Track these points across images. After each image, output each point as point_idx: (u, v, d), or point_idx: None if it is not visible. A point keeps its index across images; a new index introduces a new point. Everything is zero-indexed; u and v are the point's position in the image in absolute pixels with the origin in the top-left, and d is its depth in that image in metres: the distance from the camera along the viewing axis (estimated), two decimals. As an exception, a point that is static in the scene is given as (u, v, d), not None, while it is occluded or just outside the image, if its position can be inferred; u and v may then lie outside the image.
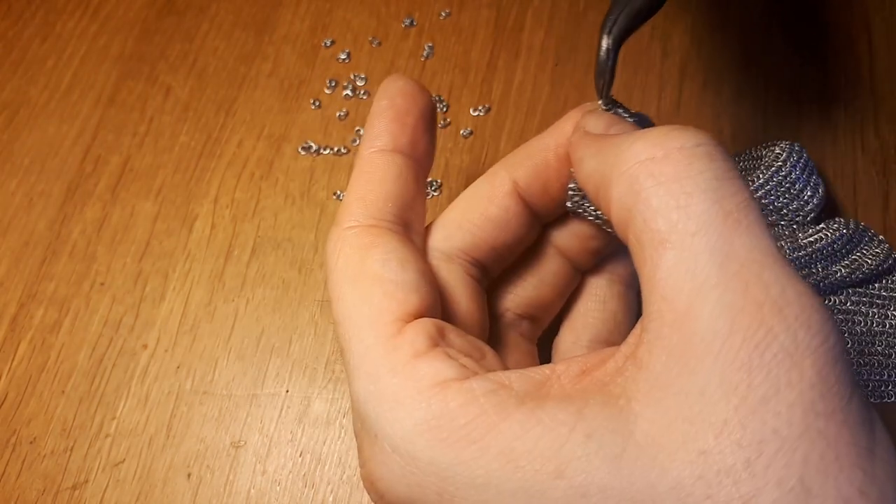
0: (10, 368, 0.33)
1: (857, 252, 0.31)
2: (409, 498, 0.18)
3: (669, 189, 0.17)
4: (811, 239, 0.30)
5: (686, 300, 0.16)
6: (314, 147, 0.38)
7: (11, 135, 0.39)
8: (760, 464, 0.14)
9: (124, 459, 0.31)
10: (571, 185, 0.23)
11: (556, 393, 0.18)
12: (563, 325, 0.26)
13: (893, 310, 0.31)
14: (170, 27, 0.42)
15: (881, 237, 0.32)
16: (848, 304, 0.31)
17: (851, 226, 0.31)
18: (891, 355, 0.30)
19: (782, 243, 0.30)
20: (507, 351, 0.25)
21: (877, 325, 0.31)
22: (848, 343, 0.30)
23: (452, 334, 0.20)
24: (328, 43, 0.41)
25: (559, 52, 0.40)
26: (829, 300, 0.31)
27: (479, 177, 0.25)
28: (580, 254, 0.25)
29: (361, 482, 0.20)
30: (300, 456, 0.31)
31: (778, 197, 0.31)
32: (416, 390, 0.18)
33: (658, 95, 0.38)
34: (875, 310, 0.31)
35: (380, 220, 0.21)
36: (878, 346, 0.30)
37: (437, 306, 0.21)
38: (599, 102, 0.23)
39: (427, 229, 0.24)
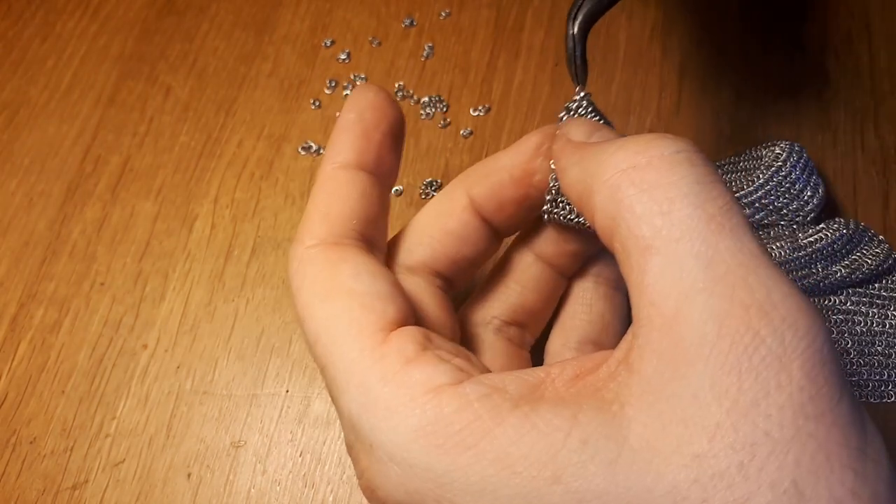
0: (10, 368, 0.33)
1: (857, 252, 0.31)
2: None
3: (652, 196, 0.17)
4: (811, 239, 0.30)
5: (674, 305, 0.16)
6: (314, 147, 0.38)
7: (11, 135, 0.39)
8: (753, 466, 0.14)
9: (124, 459, 0.31)
10: (548, 196, 0.23)
11: (551, 396, 0.18)
12: (552, 328, 0.27)
13: (893, 310, 0.31)
14: (170, 27, 0.42)
15: (881, 237, 0.32)
16: (848, 304, 0.31)
17: (851, 226, 0.31)
18: (891, 355, 0.30)
19: (782, 243, 0.30)
20: (496, 356, 0.25)
21: (877, 325, 0.31)
22: (848, 343, 0.30)
23: (437, 339, 0.20)
24: (328, 43, 0.41)
25: (559, 52, 0.40)
26: (829, 300, 0.31)
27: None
28: (558, 258, 0.25)
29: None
30: (300, 456, 0.31)
31: (778, 197, 0.31)
32: (409, 397, 0.18)
33: (658, 95, 0.38)
34: (875, 310, 0.31)
35: (343, 237, 0.21)
36: (878, 346, 0.30)
37: (413, 316, 0.21)
38: (577, 88, 0.24)
39: (389, 245, 0.24)
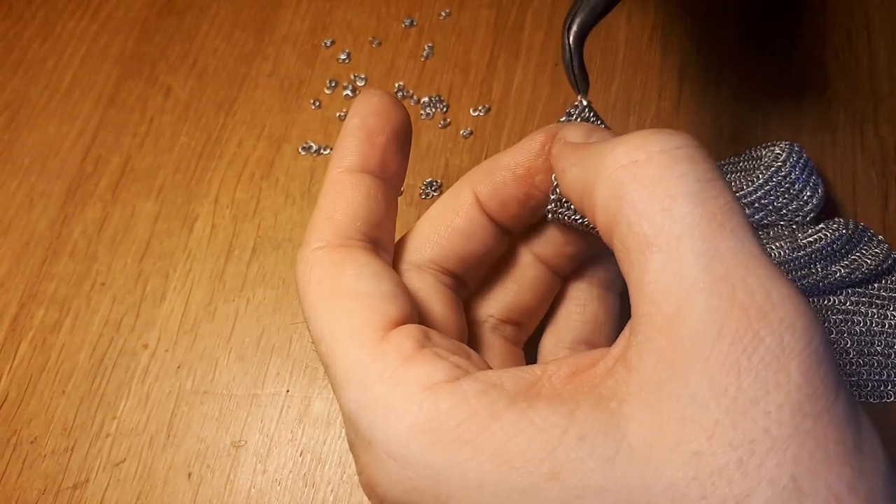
0: (10, 368, 0.33)
1: (857, 252, 0.31)
2: (408, 502, 0.18)
3: (653, 192, 0.17)
4: (811, 239, 0.30)
5: (674, 303, 0.16)
6: (314, 147, 0.38)
7: (12, 135, 0.39)
8: (753, 463, 0.15)
9: (125, 459, 0.31)
10: (553, 195, 0.23)
11: (547, 393, 0.18)
12: (546, 328, 0.27)
13: (893, 310, 0.31)
14: (170, 27, 0.42)
15: (880, 237, 0.32)
16: (847, 303, 0.31)
17: (851, 226, 0.31)
18: (890, 355, 0.30)
19: (782, 243, 0.31)
20: (493, 354, 0.25)
21: (876, 325, 0.31)
22: (847, 343, 0.30)
23: (437, 337, 0.20)
24: (328, 43, 0.41)
25: (559, 52, 0.40)
26: (829, 300, 0.31)
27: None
28: (556, 259, 0.25)
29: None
30: (300, 455, 0.31)
31: (777, 197, 0.31)
32: (406, 394, 0.18)
33: (658, 95, 0.38)
34: (874, 310, 0.31)
35: (348, 239, 0.21)
36: (878, 346, 0.30)
37: (415, 315, 0.21)
38: (579, 97, 0.24)
39: (397, 244, 0.24)
